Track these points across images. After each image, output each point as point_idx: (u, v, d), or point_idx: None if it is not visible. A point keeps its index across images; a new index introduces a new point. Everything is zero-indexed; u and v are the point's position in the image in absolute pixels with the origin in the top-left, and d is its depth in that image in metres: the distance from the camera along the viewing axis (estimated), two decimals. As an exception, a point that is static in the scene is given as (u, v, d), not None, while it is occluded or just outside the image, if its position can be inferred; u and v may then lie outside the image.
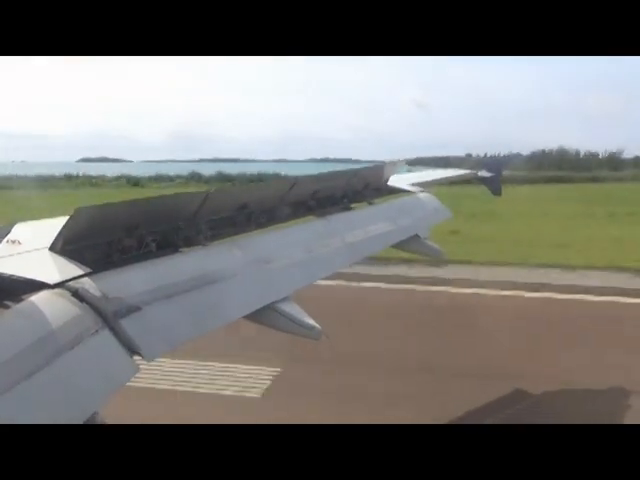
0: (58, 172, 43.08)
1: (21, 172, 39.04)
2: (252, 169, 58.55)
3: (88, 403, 2.19)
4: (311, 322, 3.53)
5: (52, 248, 2.75)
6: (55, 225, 2.86)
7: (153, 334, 2.65)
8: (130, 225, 3.06)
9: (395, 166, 6.86)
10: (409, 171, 9.87)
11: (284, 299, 3.56)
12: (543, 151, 64.28)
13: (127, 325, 2.53)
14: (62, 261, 2.68)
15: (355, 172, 5.75)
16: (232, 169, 57.45)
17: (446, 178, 9.59)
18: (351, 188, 5.71)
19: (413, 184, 7.16)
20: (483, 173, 10.08)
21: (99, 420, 2.26)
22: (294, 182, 4.54)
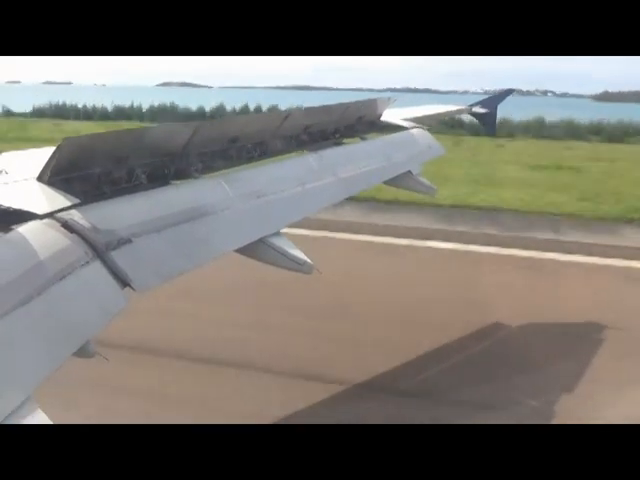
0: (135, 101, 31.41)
1: (99, 101, 32.25)
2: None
3: (80, 332, 2.20)
4: (303, 256, 3.54)
5: (40, 178, 2.70)
6: (42, 155, 2.79)
7: (144, 266, 2.65)
8: (120, 156, 3.00)
9: (389, 101, 6.73)
10: None
11: (276, 233, 3.56)
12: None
13: (118, 257, 2.52)
14: (50, 192, 2.64)
15: (347, 106, 5.65)
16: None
17: (440, 114, 9.42)
18: (344, 122, 5.63)
19: (406, 119, 7.05)
20: (478, 109, 9.84)
21: (91, 350, 2.27)
22: (286, 115, 4.45)
